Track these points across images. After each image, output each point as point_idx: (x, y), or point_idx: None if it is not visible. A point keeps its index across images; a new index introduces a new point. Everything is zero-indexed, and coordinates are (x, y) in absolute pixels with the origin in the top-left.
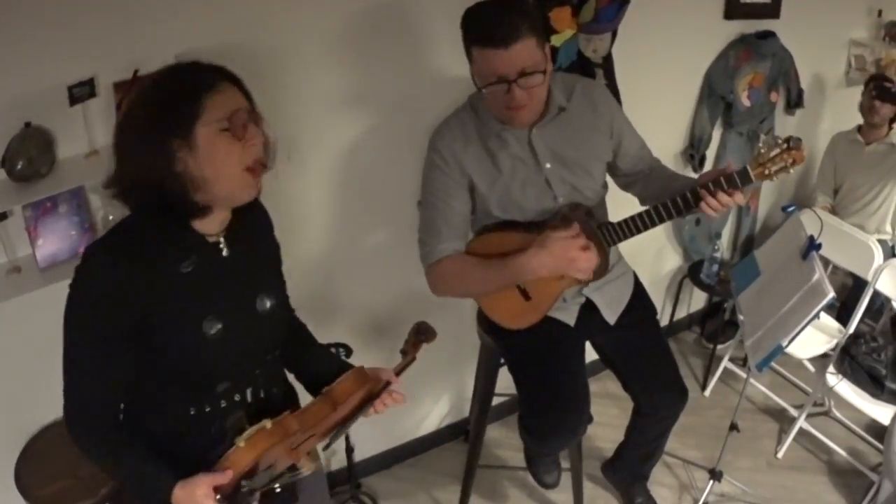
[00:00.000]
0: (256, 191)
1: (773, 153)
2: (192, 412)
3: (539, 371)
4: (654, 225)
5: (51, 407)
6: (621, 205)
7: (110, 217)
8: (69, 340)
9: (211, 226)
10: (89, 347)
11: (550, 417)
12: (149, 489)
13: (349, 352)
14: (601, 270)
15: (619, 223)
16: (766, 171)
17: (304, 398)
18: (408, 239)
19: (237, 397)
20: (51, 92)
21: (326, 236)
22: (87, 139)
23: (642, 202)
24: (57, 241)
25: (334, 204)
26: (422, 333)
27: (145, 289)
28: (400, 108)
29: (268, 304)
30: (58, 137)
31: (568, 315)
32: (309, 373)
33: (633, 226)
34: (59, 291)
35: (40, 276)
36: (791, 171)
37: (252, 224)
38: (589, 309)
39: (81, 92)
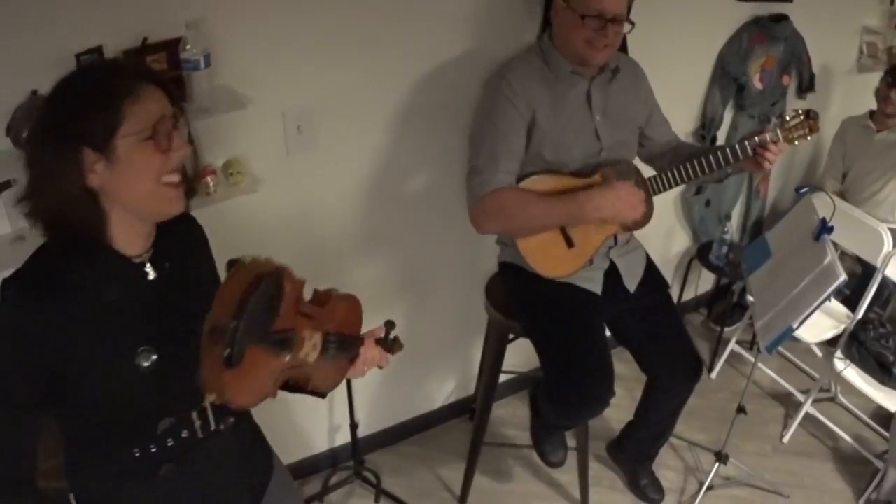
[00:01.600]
0: (182, 204)
1: (795, 121)
2: (136, 454)
3: (568, 340)
4: (698, 175)
5: None
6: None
7: None
8: None
9: (133, 246)
10: (3, 386)
11: (580, 386)
12: None
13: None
14: (646, 217)
15: (664, 173)
16: (790, 136)
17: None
18: (420, 219)
19: (185, 433)
20: (59, 60)
21: (339, 214)
22: None
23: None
24: None
25: (346, 179)
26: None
27: (66, 325)
28: (417, 86)
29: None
30: None
31: (594, 283)
32: None
33: (680, 175)
34: None
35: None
36: (808, 138)
37: (182, 240)
38: (610, 279)
39: (90, 60)
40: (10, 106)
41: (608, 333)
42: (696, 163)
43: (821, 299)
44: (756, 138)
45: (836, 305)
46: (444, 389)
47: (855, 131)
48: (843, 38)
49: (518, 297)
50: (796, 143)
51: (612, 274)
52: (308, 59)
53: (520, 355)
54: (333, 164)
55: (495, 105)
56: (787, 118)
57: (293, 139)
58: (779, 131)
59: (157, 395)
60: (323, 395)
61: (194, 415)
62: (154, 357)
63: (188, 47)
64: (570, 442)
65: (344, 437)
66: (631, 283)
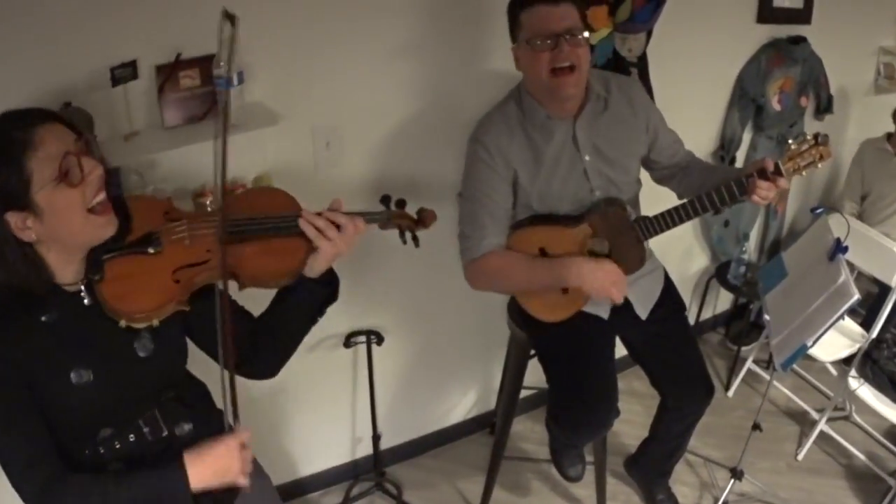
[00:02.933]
0: (114, 225)
1: (802, 148)
2: (86, 452)
3: (571, 364)
4: (690, 217)
5: None
6: (654, 202)
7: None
8: None
9: (67, 275)
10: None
11: (581, 409)
12: (164, 491)
13: (380, 339)
14: (636, 264)
15: (656, 216)
16: (796, 166)
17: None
18: (443, 229)
19: (132, 437)
20: (93, 73)
21: None
22: (127, 120)
23: (680, 196)
24: None
25: (371, 193)
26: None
27: (14, 343)
28: (440, 102)
29: (152, 346)
30: (98, 118)
31: (601, 309)
32: (286, 320)
33: (671, 219)
34: None
35: None
36: (819, 166)
37: None
38: (621, 305)
39: (123, 73)
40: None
41: (624, 352)
42: (690, 205)
43: (835, 318)
44: (766, 167)
45: (850, 325)
46: (466, 403)
47: (873, 154)
48: (860, 59)
49: (527, 319)
50: (804, 173)
51: (623, 301)
52: (337, 76)
53: (541, 371)
54: (359, 181)
55: (473, 170)
56: (793, 146)
57: (321, 155)
58: (780, 163)
59: (92, 409)
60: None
61: (141, 421)
62: (88, 376)
63: (222, 64)
64: (588, 457)
65: (366, 449)
66: (643, 308)
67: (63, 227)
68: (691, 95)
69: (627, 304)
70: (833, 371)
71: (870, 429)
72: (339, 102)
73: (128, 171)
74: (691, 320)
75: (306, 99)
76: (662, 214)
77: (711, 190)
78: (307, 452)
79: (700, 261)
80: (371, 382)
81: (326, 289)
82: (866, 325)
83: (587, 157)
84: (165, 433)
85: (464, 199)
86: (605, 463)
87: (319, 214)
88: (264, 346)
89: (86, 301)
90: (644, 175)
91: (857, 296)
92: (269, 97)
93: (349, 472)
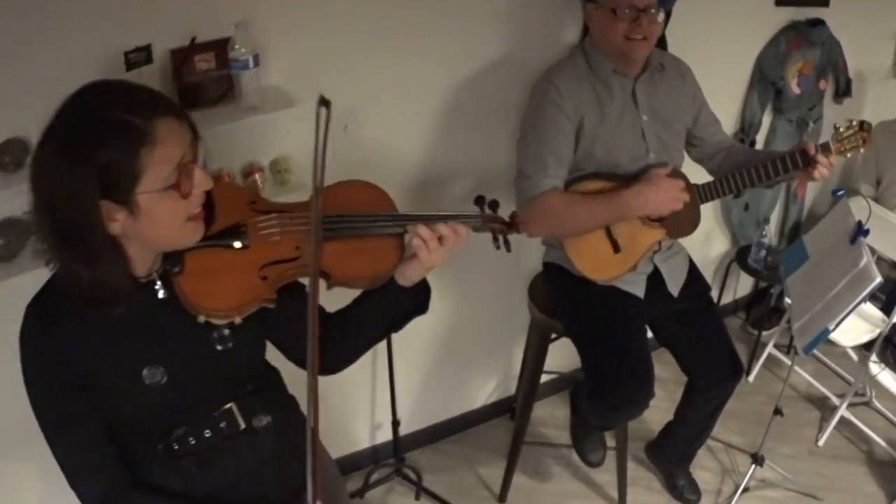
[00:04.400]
0: (202, 231)
1: (849, 132)
2: (159, 448)
3: (611, 342)
4: (745, 186)
5: None
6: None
7: None
8: (38, 410)
9: (143, 267)
10: (59, 413)
11: (620, 388)
12: None
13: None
14: (690, 227)
15: (715, 181)
16: (842, 147)
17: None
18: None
19: (208, 433)
20: (107, 58)
21: None
22: None
23: (719, 174)
24: None
25: (392, 176)
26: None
27: (80, 344)
28: (464, 85)
29: (228, 335)
30: None
31: (637, 287)
32: (370, 322)
33: (728, 185)
34: None
35: None
36: (861, 150)
37: None
38: (653, 282)
39: (138, 58)
40: (59, 101)
41: (650, 335)
42: (747, 173)
43: (857, 301)
44: (810, 151)
45: (871, 309)
46: (486, 389)
47: (886, 137)
48: (878, 43)
49: (561, 298)
50: (848, 155)
51: (656, 278)
52: (355, 58)
53: (561, 356)
54: (377, 165)
55: (543, 110)
56: (841, 129)
57: (339, 138)
58: (831, 143)
59: (166, 408)
60: (362, 284)
61: (217, 415)
62: (162, 374)
63: (237, 47)
64: (609, 442)
65: (386, 435)
66: (675, 287)
67: (156, 232)
68: (710, 78)
69: (661, 282)
70: (854, 356)
71: (890, 414)
72: (358, 85)
73: None
74: (714, 301)
75: (324, 82)
76: (719, 180)
77: (772, 159)
78: (326, 438)
79: (721, 245)
80: (391, 368)
81: (415, 299)
82: (887, 309)
83: (645, 118)
84: (243, 427)
85: (526, 140)
86: (626, 448)
87: (422, 221)
88: (334, 343)
89: (160, 294)
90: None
91: (878, 279)
92: (286, 80)
93: (368, 458)
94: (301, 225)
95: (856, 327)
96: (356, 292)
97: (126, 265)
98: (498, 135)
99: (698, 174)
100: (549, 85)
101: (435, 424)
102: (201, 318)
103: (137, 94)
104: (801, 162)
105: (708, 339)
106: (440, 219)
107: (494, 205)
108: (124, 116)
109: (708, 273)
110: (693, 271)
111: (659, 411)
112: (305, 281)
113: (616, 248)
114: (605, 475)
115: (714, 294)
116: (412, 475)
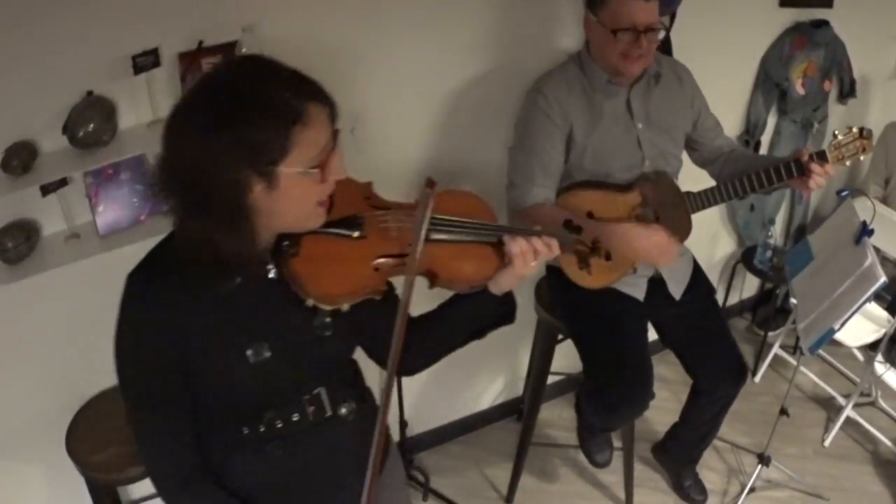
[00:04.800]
0: (325, 216)
1: (847, 140)
2: (244, 431)
3: (608, 345)
4: (738, 195)
5: (103, 375)
6: (689, 185)
7: None
8: (122, 391)
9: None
10: (149, 390)
11: (618, 390)
12: None
13: None
14: (682, 237)
15: (706, 190)
16: (841, 155)
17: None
18: None
19: (296, 417)
20: (114, 61)
21: None
22: (150, 108)
23: (718, 180)
24: (118, 208)
25: (399, 179)
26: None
27: (187, 316)
28: (472, 86)
29: (329, 322)
30: (120, 106)
31: (637, 290)
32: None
33: (720, 194)
34: (118, 258)
35: (100, 242)
36: (861, 158)
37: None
38: (655, 285)
39: (145, 61)
40: (66, 105)
41: (655, 336)
42: (739, 183)
43: (861, 301)
44: (803, 158)
45: (877, 310)
46: (493, 390)
47: (895, 137)
48: (882, 43)
49: (562, 300)
50: (847, 163)
51: (657, 280)
52: (360, 62)
53: (568, 357)
54: (384, 166)
55: (532, 118)
56: (840, 137)
57: (347, 140)
58: (828, 151)
59: (265, 387)
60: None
61: (306, 400)
62: (265, 352)
63: (243, 50)
64: (616, 443)
65: (393, 436)
66: (676, 289)
67: (286, 210)
68: (715, 79)
69: (662, 284)
70: (859, 356)
71: None
72: (364, 87)
73: (152, 159)
74: (718, 303)
75: (330, 85)
76: (711, 189)
77: (763, 169)
78: None
79: (726, 246)
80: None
81: (503, 308)
82: (892, 309)
83: (640, 126)
84: (329, 413)
85: (516, 149)
86: (632, 449)
87: (522, 234)
88: (416, 345)
89: (271, 274)
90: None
91: (883, 278)
92: None
93: None
94: (412, 223)
95: (861, 327)
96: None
97: (257, 238)
98: (500, 138)
99: (699, 178)
100: (537, 94)
101: (442, 426)
102: (310, 302)
103: (293, 76)
104: (796, 171)
105: (712, 342)
106: (537, 233)
107: (578, 230)
108: (282, 94)
109: (714, 274)
110: (697, 273)
111: (665, 412)
112: (398, 281)
113: (608, 256)
114: (612, 476)
115: (720, 295)
116: (420, 476)
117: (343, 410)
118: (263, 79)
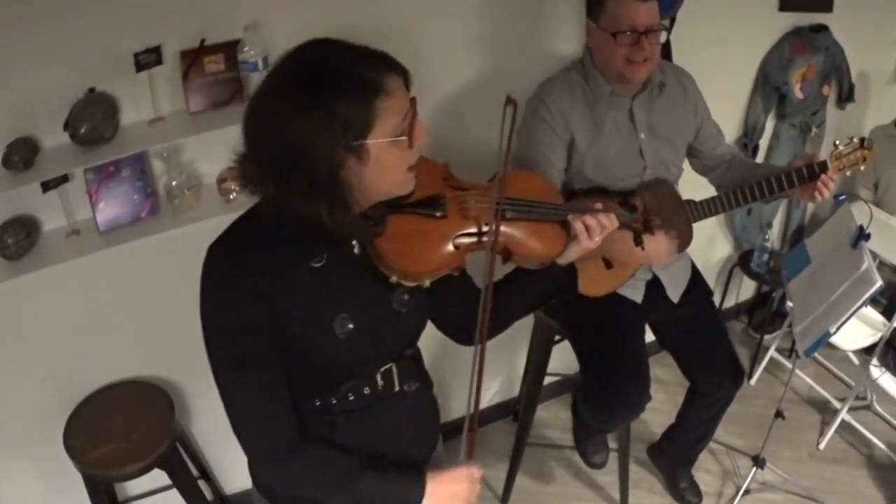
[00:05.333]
0: (413, 184)
1: (848, 149)
2: (316, 403)
3: (606, 347)
4: (739, 204)
5: (102, 370)
6: (690, 192)
7: (174, 183)
8: (215, 359)
9: None
10: (240, 355)
11: (615, 391)
12: (397, 500)
13: None
14: (683, 244)
15: (708, 199)
16: (842, 165)
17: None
18: None
19: (367, 390)
20: (116, 58)
21: None
22: (151, 106)
23: (718, 188)
24: (119, 205)
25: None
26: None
27: (274, 284)
28: (461, 95)
29: (406, 299)
30: (122, 103)
31: (635, 292)
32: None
33: (722, 203)
34: (117, 255)
35: (100, 238)
36: (861, 168)
37: None
38: (653, 287)
39: (148, 59)
40: (68, 102)
41: (652, 338)
42: (741, 192)
43: (858, 305)
44: (804, 167)
45: (872, 314)
46: (489, 390)
47: (882, 141)
48: (881, 48)
49: (559, 301)
50: (847, 172)
51: (656, 283)
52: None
53: (564, 358)
54: None
55: (531, 129)
56: (840, 147)
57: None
58: (829, 160)
59: (346, 360)
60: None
61: (379, 375)
62: (350, 326)
63: (246, 49)
64: (612, 444)
65: None
66: (675, 293)
67: (379, 180)
68: (714, 83)
69: (660, 287)
70: (855, 360)
71: (890, 418)
72: None
73: (153, 156)
74: (716, 306)
75: None
76: (714, 198)
77: (765, 178)
78: None
79: (723, 249)
80: None
81: (566, 279)
82: (888, 313)
83: (643, 136)
84: (397, 389)
85: (519, 157)
86: (628, 450)
87: (587, 211)
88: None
89: (356, 250)
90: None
91: (879, 282)
92: None
93: None
94: (489, 203)
95: (857, 331)
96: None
97: (339, 210)
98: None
99: (698, 185)
100: (539, 103)
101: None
102: (393, 279)
103: (365, 50)
104: (808, 175)
105: (709, 344)
106: (600, 210)
107: (633, 209)
108: (360, 69)
109: (710, 277)
110: (695, 276)
111: (661, 414)
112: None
113: (608, 264)
114: (608, 477)
115: (717, 298)
116: None
117: (407, 387)
118: (340, 56)
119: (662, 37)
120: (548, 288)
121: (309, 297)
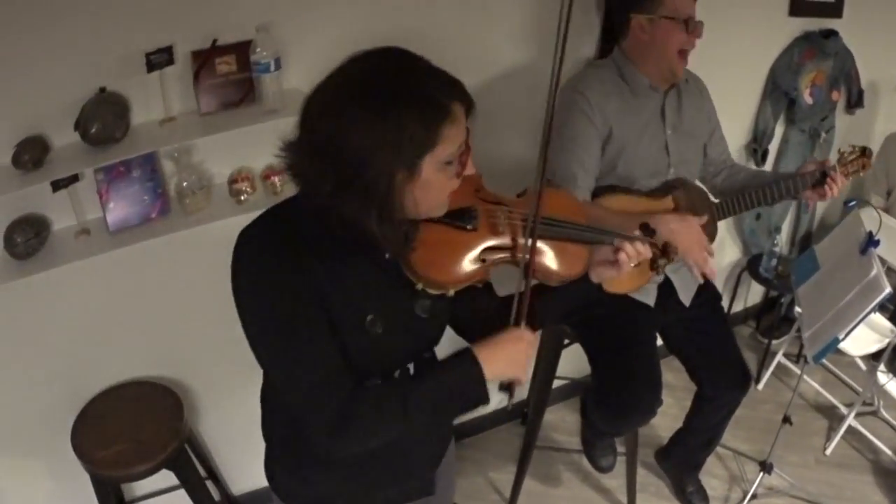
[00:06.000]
0: (446, 209)
1: (852, 156)
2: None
3: (619, 351)
4: (762, 203)
5: (110, 370)
6: None
7: (184, 184)
8: (266, 330)
9: None
10: (292, 328)
11: (628, 396)
12: (463, 391)
13: None
14: (711, 239)
15: (733, 198)
16: (846, 171)
17: None
18: None
19: None
20: (128, 58)
21: None
22: (162, 106)
23: (717, 194)
24: (128, 205)
25: None
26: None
27: (316, 265)
28: (486, 84)
29: (429, 305)
30: (133, 103)
31: (648, 296)
32: None
33: (746, 201)
34: (127, 255)
35: (109, 238)
36: (861, 174)
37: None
38: (664, 291)
39: (159, 59)
40: (79, 101)
41: (659, 342)
42: (761, 192)
43: (866, 311)
44: (817, 171)
45: (880, 319)
46: (497, 393)
47: (895, 149)
48: (891, 54)
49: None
50: (850, 178)
51: (667, 286)
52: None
53: (573, 361)
54: None
55: (572, 120)
56: (846, 154)
57: None
58: (837, 166)
59: (370, 359)
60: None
61: (396, 374)
62: (379, 325)
63: (258, 50)
64: (620, 448)
65: None
66: (686, 296)
67: (421, 200)
68: (724, 88)
69: (671, 290)
70: (862, 366)
71: None
72: None
73: (163, 157)
74: (725, 310)
75: None
76: (737, 197)
77: (793, 177)
78: None
79: (732, 253)
80: None
81: (596, 293)
82: (895, 319)
83: (669, 132)
84: None
85: (555, 149)
86: (636, 454)
87: (624, 238)
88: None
89: (386, 255)
90: None
91: (888, 289)
92: (307, 83)
93: None
94: (519, 219)
95: (864, 337)
96: None
97: (387, 221)
98: (513, 141)
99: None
100: (578, 95)
101: None
102: (419, 286)
103: (442, 73)
104: (811, 182)
105: (717, 349)
106: (637, 238)
107: (652, 233)
108: (436, 90)
109: (719, 281)
110: (705, 280)
111: (669, 418)
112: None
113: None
114: (615, 480)
115: (725, 303)
116: None
117: None
118: (420, 74)
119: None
120: (577, 302)
121: (342, 294)
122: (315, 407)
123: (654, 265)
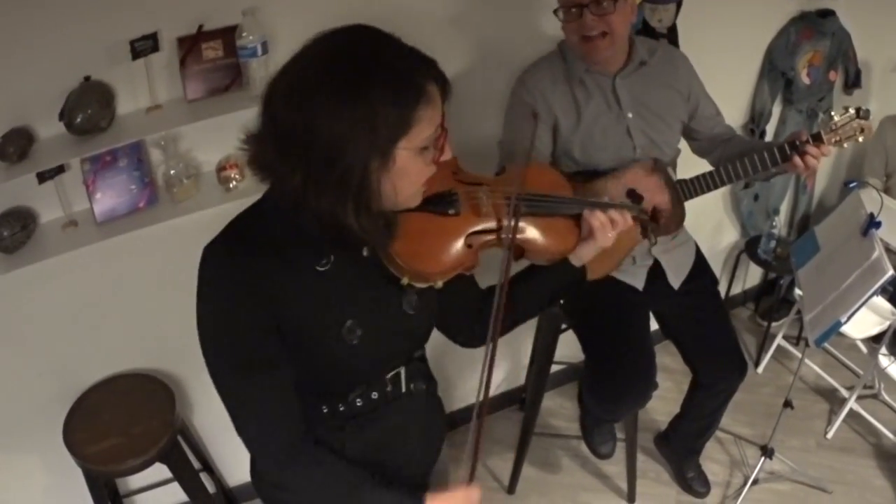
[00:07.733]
0: (421, 198)
1: (844, 121)
2: (324, 410)
3: (610, 336)
4: (731, 181)
5: (101, 363)
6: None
7: (172, 172)
8: (217, 362)
9: None
10: (248, 355)
11: (621, 381)
12: None
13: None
14: (676, 224)
15: (698, 177)
16: (837, 137)
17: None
18: None
19: (375, 395)
20: (112, 46)
21: None
22: (148, 94)
23: (717, 168)
24: (116, 195)
25: None
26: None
27: (277, 291)
28: (478, 66)
29: (416, 300)
30: (119, 92)
31: (636, 279)
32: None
33: (713, 180)
34: (115, 246)
35: (97, 230)
36: (859, 139)
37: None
38: (655, 274)
39: (144, 46)
40: (63, 91)
41: (655, 326)
42: (732, 166)
43: (869, 294)
44: (796, 140)
45: (881, 302)
46: (495, 379)
47: (893, 132)
48: (887, 34)
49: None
50: (845, 145)
51: (657, 269)
52: None
53: (571, 346)
54: None
55: (517, 112)
56: (836, 118)
57: None
58: (823, 133)
59: (357, 367)
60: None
61: (388, 379)
62: (359, 332)
63: (244, 34)
64: (619, 433)
65: None
66: (676, 279)
67: (396, 188)
68: (721, 68)
69: (661, 273)
70: (863, 348)
71: None
72: None
73: (150, 145)
74: (721, 295)
75: None
76: (704, 175)
77: (757, 152)
78: None
79: (730, 235)
80: None
81: (576, 276)
82: (895, 301)
83: (630, 115)
84: (405, 390)
85: (503, 143)
86: (635, 439)
87: (599, 207)
88: (488, 316)
89: (364, 252)
90: (682, 145)
91: (891, 271)
92: None
93: None
94: (502, 198)
95: (865, 319)
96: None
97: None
98: (487, 130)
99: (697, 166)
100: (521, 87)
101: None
102: (405, 280)
103: (413, 52)
104: (790, 151)
105: (713, 335)
106: (611, 206)
107: (640, 199)
108: (408, 69)
109: (717, 264)
110: (700, 263)
111: (668, 402)
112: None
113: None
114: (615, 467)
115: (723, 285)
116: None
117: (414, 388)
118: (391, 52)
119: (617, 6)
120: (560, 286)
121: (315, 303)
122: (259, 447)
123: (645, 232)
